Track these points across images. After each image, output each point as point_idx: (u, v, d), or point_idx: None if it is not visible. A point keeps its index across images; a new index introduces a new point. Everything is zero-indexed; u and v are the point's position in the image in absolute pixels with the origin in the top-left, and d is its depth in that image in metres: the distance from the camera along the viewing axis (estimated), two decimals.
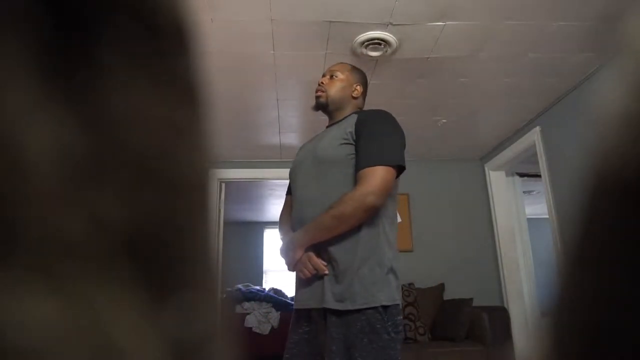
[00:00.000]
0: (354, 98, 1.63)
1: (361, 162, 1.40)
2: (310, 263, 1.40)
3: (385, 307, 1.33)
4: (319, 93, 1.63)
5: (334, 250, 1.39)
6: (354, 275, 1.35)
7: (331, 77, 1.64)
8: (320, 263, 1.39)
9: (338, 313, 1.34)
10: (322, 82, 1.64)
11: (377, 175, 1.36)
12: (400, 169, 1.44)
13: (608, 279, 0.13)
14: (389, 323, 1.32)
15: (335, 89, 1.62)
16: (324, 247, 1.40)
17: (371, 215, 1.38)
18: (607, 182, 0.13)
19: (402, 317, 1.38)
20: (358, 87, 1.65)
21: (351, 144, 1.45)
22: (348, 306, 1.32)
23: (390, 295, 1.35)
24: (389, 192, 1.39)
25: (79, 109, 0.11)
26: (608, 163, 0.13)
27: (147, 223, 0.11)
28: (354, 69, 1.70)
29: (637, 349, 0.12)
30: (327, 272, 1.38)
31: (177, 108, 0.13)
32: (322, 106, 1.63)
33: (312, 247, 1.42)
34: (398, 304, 1.37)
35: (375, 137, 1.43)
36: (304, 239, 1.42)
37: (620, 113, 0.13)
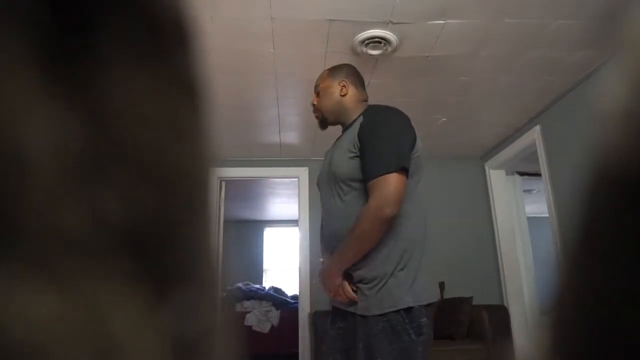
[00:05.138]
0: (343, 95, 1.59)
1: (369, 172, 1.39)
2: (345, 294, 1.42)
3: (408, 309, 1.33)
4: (315, 114, 1.65)
5: (359, 267, 1.40)
6: (380, 286, 1.36)
7: (317, 94, 1.64)
8: (352, 293, 1.41)
9: (363, 316, 1.37)
10: (312, 103, 1.66)
11: (388, 184, 1.34)
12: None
13: (608, 276, 0.13)
14: (413, 325, 1.33)
15: (323, 103, 1.61)
16: (350, 267, 1.43)
17: (390, 225, 1.36)
18: (607, 179, 0.13)
19: (426, 319, 1.36)
20: (343, 84, 1.60)
21: (359, 156, 1.44)
22: (374, 312, 1.35)
23: (415, 297, 1.35)
24: (401, 198, 1.36)
25: (79, 105, 0.11)
26: (609, 160, 0.13)
27: (147, 219, 0.11)
28: (332, 69, 1.66)
29: (637, 347, 0.12)
30: (357, 299, 1.40)
31: (177, 104, 0.13)
32: (324, 124, 1.64)
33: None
34: (424, 305, 1.36)
35: (377, 143, 1.40)
36: (338, 267, 1.43)
37: (620, 110, 0.13)
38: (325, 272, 1.49)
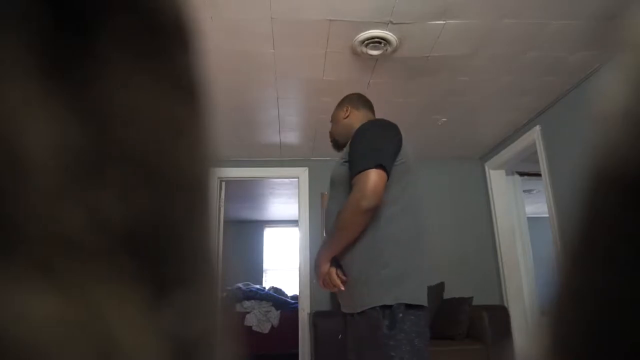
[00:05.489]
0: (346, 118, 1.82)
1: (352, 172, 1.53)
2: (330, 280, 1.55)
3: (387, 307, 1.42)
4: (330, 139, 1.91)
5: (344, 262, 1.54)
6: (362, 283, 1.48)
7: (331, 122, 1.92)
8: (338, 280, 1.54)
9: (351, 314, 1.51)
10: (329, 132, 1.93)
11: (365, 180, 1.46)
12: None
13: (608, 276, 0.13)
14: (392, 320, 1.40)
15: (334, 128, 1.88)
16: (337, 261, 1.56)
17: (369, 217, 1.47)
18: (607, 179, 0.13)
19: (403, 315, 1.42)
20: (346, 109, 1.83)
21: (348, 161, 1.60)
22: (358, 309, 1.46)
23: (396, 295, 1.42)
24: (380, 192, 1.46)
25: (79, 106, 0.11)
26: (608, 161, 0.13)
27: (147, 220, 0.11)
28: (340, 101, 1.91)
29: (637, 348, 0.12)
30: (343, 288, 1.53)
31: (177, 105, 0.13)
32: (337, 145, 1.87)
33: (333, 262, 1.58)
34: (403, 304, 1.42)
35: (359, 145, 1.55)
36: (324, 255, 1.58)
37: (620, 110, 0.13)
38: (315, 261, 1.63)
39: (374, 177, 1.45)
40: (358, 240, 1.49)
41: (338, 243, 1.52)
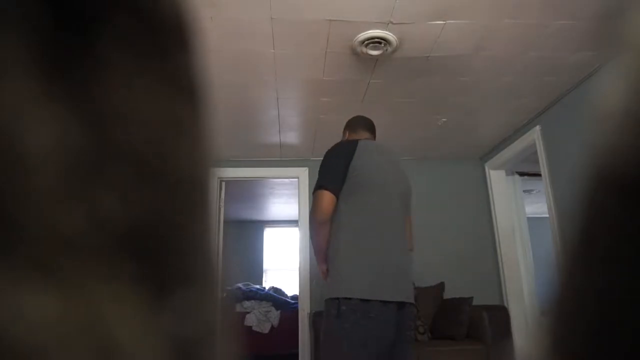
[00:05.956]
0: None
1: None
2: (322, 276, 1.93)
3: (335, 299, 1.70)
4: None
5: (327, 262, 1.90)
6: (329, 278, 1.81)
7: None
8: (323, 274, 1.91)
9: None
10: None
11: (314, 199, 1.84)
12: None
13: (608, 277, 0.13)
14: (339, 310, 1.68)
15: None
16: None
17: (324, 228, 1.83)
18: (607, 179, 0.13)
19: (346, 308, 1.67)
20: (346, 133, 2.11)
21: None
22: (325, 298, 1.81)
23: (343, 290, 1.70)
24: (325, 208, 1.80)
25: (79, 106, 0.11)
26: (608, 161, 0.13)
27: (147, 220, 0.11)
28: (344, 127, 2.18)
29: (637, 348, 0.12)
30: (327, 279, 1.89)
31: (177, 105, 0.13)
32: None
33: None
34: (351, 299, 1.68)
35: (319, 169, 1.90)
36: (316, 257, 1.94)
37: (620, 110, 0.13)
38: None
39: (319, 196, 1.80)
40: (327, 243, 1.85)
41: (314, 248, 1.91)
